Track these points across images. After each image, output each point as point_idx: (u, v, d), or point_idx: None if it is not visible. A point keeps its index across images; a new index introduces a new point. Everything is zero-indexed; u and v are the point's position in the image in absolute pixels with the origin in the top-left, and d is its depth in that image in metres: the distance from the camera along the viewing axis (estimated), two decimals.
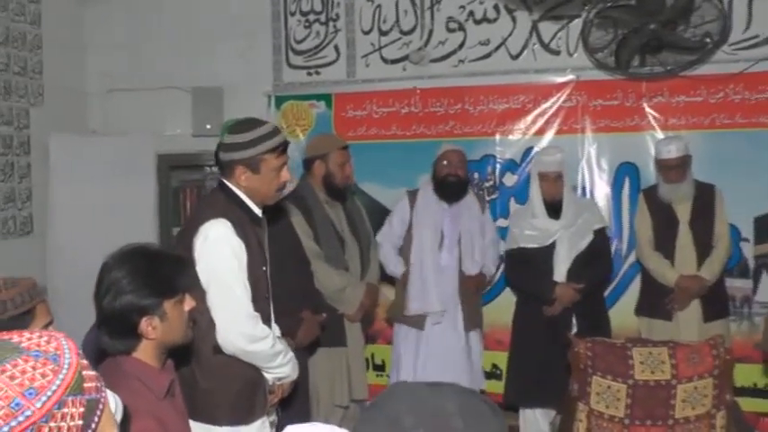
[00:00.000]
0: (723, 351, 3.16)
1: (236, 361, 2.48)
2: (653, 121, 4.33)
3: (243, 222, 2.47)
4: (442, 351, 3.99)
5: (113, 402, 1.52)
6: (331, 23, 4.90)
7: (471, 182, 4.53)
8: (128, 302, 1.84)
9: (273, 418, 2.69)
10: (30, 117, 4.58)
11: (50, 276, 4.58)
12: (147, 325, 1.86)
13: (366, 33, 4.85)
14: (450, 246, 4.02)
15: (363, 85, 4.84)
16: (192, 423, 2.42)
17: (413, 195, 4.14)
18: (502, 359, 4.29)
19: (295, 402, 2.93)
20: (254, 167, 2.46)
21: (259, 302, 2.52)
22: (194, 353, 2.42)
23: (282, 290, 3.11)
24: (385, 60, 4.83)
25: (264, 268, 2.59)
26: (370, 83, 4.82)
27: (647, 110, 4.34)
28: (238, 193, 2.51)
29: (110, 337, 1.87)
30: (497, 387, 4.33)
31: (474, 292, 4.10)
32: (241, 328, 2.44)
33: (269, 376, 2.58)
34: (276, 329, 2.76)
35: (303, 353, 3.30)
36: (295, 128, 4.91)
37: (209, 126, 4.97)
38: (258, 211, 2.56)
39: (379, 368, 4.56)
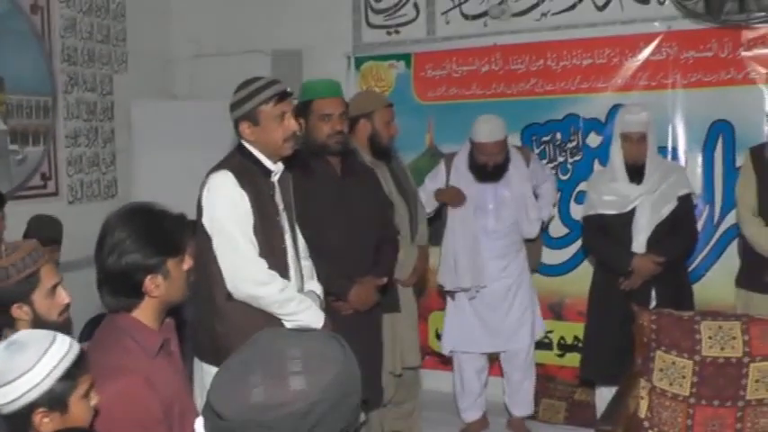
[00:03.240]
0: None
1: (251, 308, 2.68)
2: (753, 75, 4.09)
3: (252, 174, 2.71)
4: (487, 314, 4.08)
5: (66, 344, 1.73)
6: None
7: (553, 143, 4.52)
8: (133, 261, 2.01)
9: None
10: (113, 84, 4.95)
11: None
12: (151, 283, 2.04)
13: None
14: (495, 210, 4.05)
15: (443, 43, 4.85)
16: (211, 369, 2.66)
17: (449, 161, 4.16)
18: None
19: None
20: (254, 120, 2.71)
21: (273, 252, 2.73)
22: (209, 300, 2.66)
23: (354, 251, 3.25)
24: (465, 16, 4.82)
25: (278, 219, 2.79)
26: (449, 41, 4.83)
27: (747, 62, 4.10)
28: (249, 148, 2.75)
29: (112, 296, 2.04)
30: (578, 361, 4.31)
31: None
32: (245, 272, 2.65)
33: (288, 325, 2.72)
34: (317, 287, 2.93)
35: (369, 317, 3.35)
36: (375, 89, 5.02)
37: (288, 89, 5.15)
38: (270, 164, 2.77)
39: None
